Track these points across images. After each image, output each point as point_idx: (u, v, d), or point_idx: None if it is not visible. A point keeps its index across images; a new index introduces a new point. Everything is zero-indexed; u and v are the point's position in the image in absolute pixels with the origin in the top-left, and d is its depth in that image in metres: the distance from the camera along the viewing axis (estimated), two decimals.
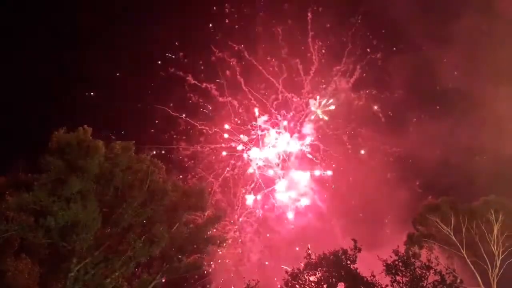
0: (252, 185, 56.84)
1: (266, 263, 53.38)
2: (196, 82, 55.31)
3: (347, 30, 55.54)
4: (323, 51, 56.12)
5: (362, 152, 57.49)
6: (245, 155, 57.07)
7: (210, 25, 56.22)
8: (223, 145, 56.80)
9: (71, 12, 49.53)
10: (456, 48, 46.27)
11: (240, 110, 57.03)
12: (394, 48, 55.29)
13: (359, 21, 55.60)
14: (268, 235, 56.08)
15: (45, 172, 20.22)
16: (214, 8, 56.32)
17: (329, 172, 57.60)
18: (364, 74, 56.34)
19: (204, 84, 55.61)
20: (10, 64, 43.92)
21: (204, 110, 56.80)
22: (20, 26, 46.62)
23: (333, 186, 57.98)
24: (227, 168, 56.36)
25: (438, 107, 53.13)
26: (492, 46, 45.33)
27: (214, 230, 26.41)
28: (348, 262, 29.64)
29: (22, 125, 43.69)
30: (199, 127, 55.71)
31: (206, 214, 25.47)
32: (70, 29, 49.15)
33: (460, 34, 45.49)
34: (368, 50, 55.88)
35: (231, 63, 56.10)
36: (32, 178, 20.44)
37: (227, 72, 56.27)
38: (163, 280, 24.44)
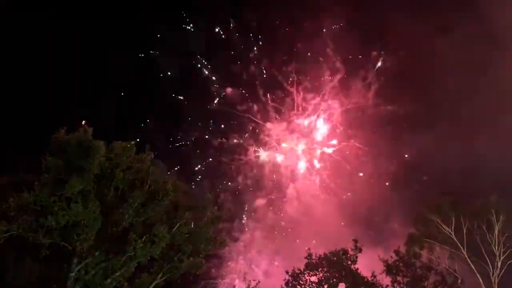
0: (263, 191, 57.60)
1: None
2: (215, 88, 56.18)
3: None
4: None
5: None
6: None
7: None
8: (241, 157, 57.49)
9: (72, 13, 49.63)
10: (465, 56, 46.55)
11: (258, 117, 57.73)
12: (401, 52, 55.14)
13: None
14: (276, 241, 56.40)
15: (46, 172, 20.23)
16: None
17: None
18: (374, 79, 56.61)
19: (223, 91, 56.77)
20: (11, 64, 43.98)
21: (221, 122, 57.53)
22: (21, 26, 46.65)
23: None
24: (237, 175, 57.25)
25: (442, 112, 53.28)
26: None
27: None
28: (349, 262, 29.68)
29: (23, 125, 43.70)
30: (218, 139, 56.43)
31: (207, 214, 25.46)
32: (74, 28, 49.19)
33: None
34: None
35: (250, 71, 56.87)
36: (33, 178, 20.43)
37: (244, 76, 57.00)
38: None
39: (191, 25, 55.87)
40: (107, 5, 50.78)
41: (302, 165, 58.93)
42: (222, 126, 57.70)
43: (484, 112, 46.04)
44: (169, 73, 56.13)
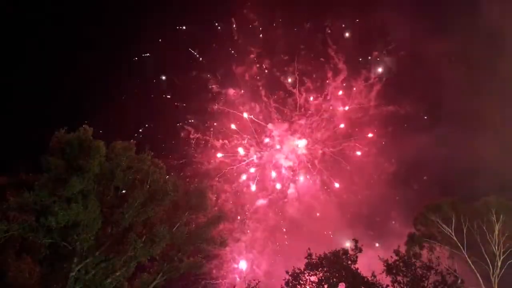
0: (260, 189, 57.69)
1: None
2: (215, 89, 56.53)
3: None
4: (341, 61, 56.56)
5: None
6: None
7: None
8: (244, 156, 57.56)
9: (73, 13, 49.72)
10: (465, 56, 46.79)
11: (260, 118, 57.87)
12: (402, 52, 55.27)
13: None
14: (277, 243, 56.59)
15: (46, 172, 20.24)
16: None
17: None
18: (377, 79, 56.69)
19: (224, 91, 56.94)
20: (11, 64, 44.06)
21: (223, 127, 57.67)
22: (22, 28, 46.73)
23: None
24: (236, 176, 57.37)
25: (442, 112, 53.39)
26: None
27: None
28: (349, 262, 29.64)
29: (23, 125, 43.75)
30: (218, 141, 56.69)
31: (207, 214, 25.46)
32: (72, 30, 49.28)
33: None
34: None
35: (251, 71, 57.15)
36: (33, 178, 20.46)
37: (246, 76, 57.16)
38: None
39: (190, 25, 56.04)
40: (107, 5, 50.95)
41: (303, 166, 59.16)
42: (223, 127, 57.90)
43: (484, 112, 46.11)
44: (166, 75, 56.29)
